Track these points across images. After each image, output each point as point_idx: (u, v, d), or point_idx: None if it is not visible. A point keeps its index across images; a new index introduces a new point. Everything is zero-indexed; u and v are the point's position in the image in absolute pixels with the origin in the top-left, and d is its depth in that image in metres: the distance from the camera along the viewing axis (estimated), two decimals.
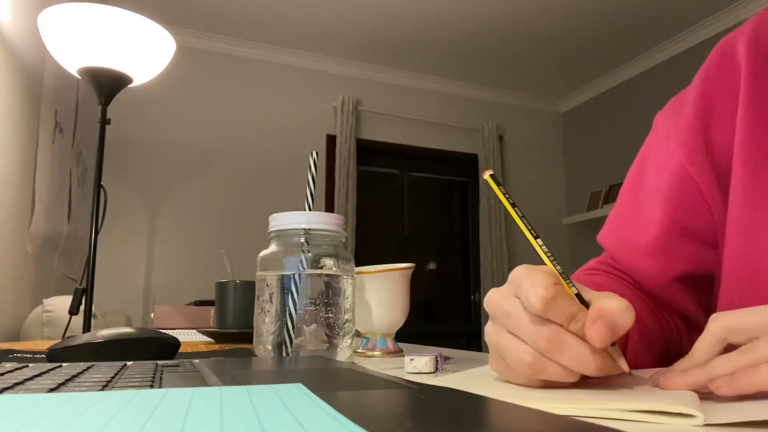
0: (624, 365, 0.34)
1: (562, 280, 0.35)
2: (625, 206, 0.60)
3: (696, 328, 0.56)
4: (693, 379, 0.31)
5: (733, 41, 0.53)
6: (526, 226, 0.36)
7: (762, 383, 0.28)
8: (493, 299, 0.37)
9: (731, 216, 0.50)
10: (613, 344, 0.34)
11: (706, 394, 0.31)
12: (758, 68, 0.50)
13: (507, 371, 0.37)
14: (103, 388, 0.28)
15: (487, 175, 0.37)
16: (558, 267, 0.36)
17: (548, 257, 0.36)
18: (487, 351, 0.41)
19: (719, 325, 0.32)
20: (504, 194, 0.36)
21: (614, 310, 0.32)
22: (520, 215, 0.36)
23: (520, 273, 0.36)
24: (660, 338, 0.52)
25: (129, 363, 0.39)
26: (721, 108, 0.52)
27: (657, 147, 0.58)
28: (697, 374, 0.31)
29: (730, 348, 0.32)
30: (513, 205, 0.36)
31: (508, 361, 0.36)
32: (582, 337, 0.33)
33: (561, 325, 0.33)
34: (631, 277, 0.58)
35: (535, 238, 0.36)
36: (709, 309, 0.55)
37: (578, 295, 0.35)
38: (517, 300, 0.35)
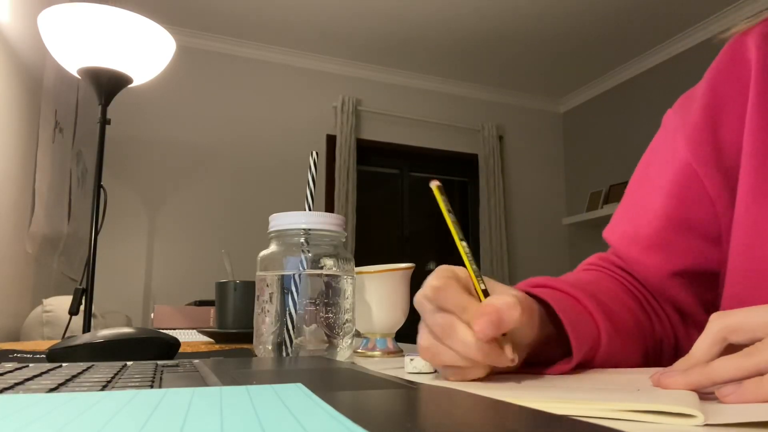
0: (509, 353, 0.37)
1: (474, 277, 0.39)
2: (629, 201, 0.60)
3: (693, 323, 0.56)
4: (693, 379, 0.31)
5: (745, 38, 0.53)
6: (454, 227, 0.40)
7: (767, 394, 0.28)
8: (416, 295, 0.41)
9: (738, 212, 0.49)
10: (504, 335, 0.37)
11: (706, 394, 0.31)
12: None
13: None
14: (103, 388, 0.28)
15: (434, 186, 0.40)
16: (473, 266, 0.39)
17: (467, 256, 0.40)
18: None
19: (720, 324, 0.32)
20: (444, 203, 0.40)
21: (500, 306, 0.36)
22: (453, 220, 0.40)
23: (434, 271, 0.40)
24: (647, 335, 0.52)
25: (129, 363, 0.39)
26: (730, 104, 0.52)
27: (664, 143, 0.58)
28: (697, 374, 0.31)
29: (730, 347, 0.32)
30: (449, 212, 0.40)
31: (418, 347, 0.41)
32: (472, 327, 0.36)
33: (455, 314, 0.37)
34: (632, 273, 0.57)
35: (461, 240, 0.40)
36: (715, 306, 0.54)
37: (485, 291, 0.39)
38: None
